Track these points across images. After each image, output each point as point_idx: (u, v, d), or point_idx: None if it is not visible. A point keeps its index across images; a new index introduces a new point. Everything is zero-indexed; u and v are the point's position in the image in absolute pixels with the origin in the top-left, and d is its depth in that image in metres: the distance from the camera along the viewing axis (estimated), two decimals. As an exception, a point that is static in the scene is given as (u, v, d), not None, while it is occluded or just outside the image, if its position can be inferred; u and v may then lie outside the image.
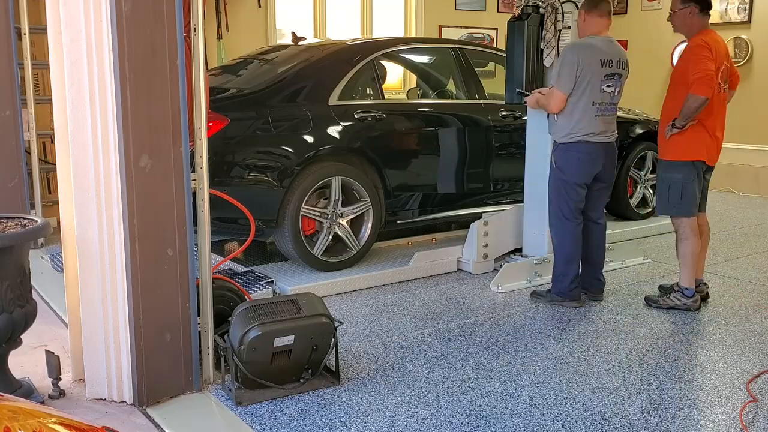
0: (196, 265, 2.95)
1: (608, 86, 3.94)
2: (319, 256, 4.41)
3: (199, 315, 2.95)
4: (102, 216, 2.71)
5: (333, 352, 3.04)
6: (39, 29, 5.31)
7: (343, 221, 4.48)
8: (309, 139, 4.36)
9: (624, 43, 9.28)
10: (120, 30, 2.55)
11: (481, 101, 5.27)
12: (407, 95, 6.98)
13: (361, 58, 4.75)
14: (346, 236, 4.51)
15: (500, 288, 4.41)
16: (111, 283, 2.75)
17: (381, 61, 5.12)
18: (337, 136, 4.46)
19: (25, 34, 5.26)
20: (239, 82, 4.75)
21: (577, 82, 3.89)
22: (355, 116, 4.54)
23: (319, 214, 4.38)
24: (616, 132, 4.09)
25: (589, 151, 3.97)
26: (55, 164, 3.10)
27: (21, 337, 2.82)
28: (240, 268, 4.46)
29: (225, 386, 2.96)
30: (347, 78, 4.63)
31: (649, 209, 6.15)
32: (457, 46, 5.56)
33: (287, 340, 2.87)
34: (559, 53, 4.47)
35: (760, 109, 8.12)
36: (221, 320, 3.15)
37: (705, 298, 4.18)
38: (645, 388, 3.05)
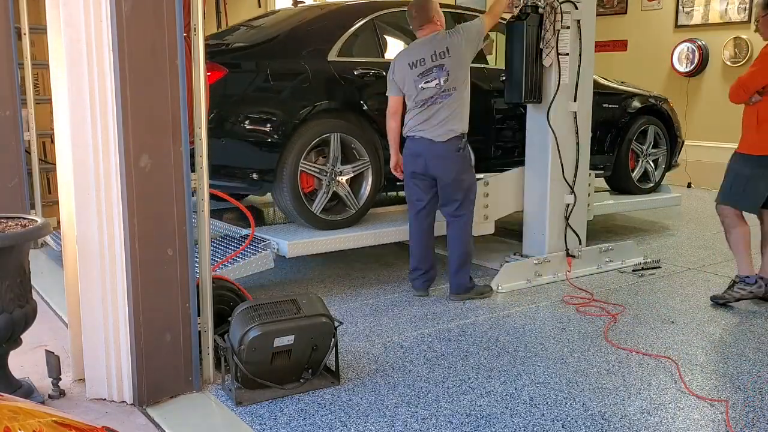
0: (197, 265, 2.96)
1: (427, 82, 4.00)
2: (317, 214, 4.33)
3: (199, 315, 2.95)
4: (102, 216, 2.71)
5: (333, 352, 3.05)
6: (39, 29, 5.31)
7: (342, 179, 4.40)
8: (307, 93, 4.29)
9: (624, 43, 9.30)
10: (120, 30, 2.55)
11: (482, 66, 5.20)
12: None
13: (361, 18, 4.68)
14: (345, 195, 4.43)
15: (500, 288, 4.41)
16: (111, 283, 2.75)
17: (381, 22, 4.98)
18: (336, 92, 4.40)
19: (25, 34, 5.26)
20: (238, 37, 4.68)
21: (398, 85, 4.10)
22: (355, 73, 4.48)
23: (318, 170, 4.31)
24: (453, 129, 4.03)
25: (408, 146, 4.14)
26: (55, 164, 3.10)
27: (21, 337, 2.82)
28: (238, 233, 4.42)
29: (225, 386, 2.96)
30: (347, 35, 4.55)
31: (651, 184, 6.11)
32: (457, 11, 5.51)
33: (287, 340, 2.87)
34: (558, 53, 4.49)
35: (760, 109, 8.11)
36: (221, 320, 3.15)
37: None
38: (645, 388, 3.05)
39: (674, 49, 8.72)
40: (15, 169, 4.97)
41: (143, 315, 2.73)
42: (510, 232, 6.01)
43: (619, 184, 6.01)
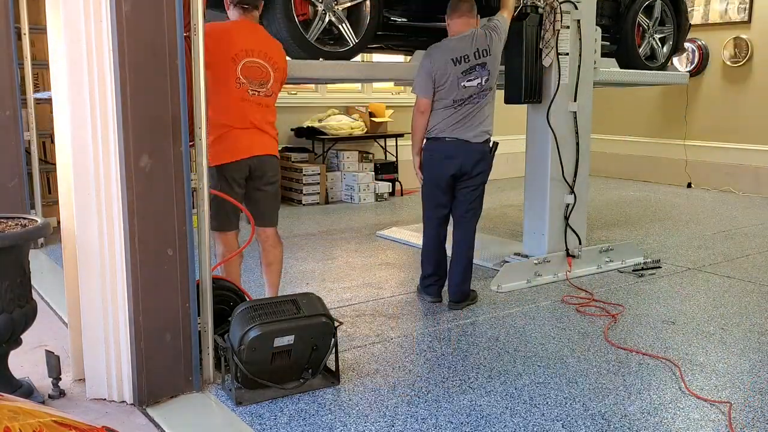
0: (197, 265, 2.96)
1: (470, 80, 3.93)
2: (312, 41, 4.06)
3: (199, 315, 2.95)
4: (102, 216, 2.72)
5: (333, 352, 3.05)
6: (39, 29, 5.32)
7: (339, 9, 4.13)
8: None
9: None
10: (120, 30, 2.55)
11: None
12: None
13: None
14: (342, 26, 4.16)
15: (500, 288, 4.41)
16: (111, 283, 2.75)
17: None
18: None
19: (25, 34, 5.27)
20: None
21: (435, 83, 3.95)
22: None
23: None
24: (488, 130, 4.00)
25: (438, 148, 4.00)
26: (55, 164, 3.10)
27: (21, 336, 2.82)
28: None
29: (225, 386, 2.96)
30: None
31: (658, 63, 5.96)
32: None
33: (287, 340, 2.88)
34: (558, 53, 4.49)
35: (760, 109, 8.12)
36: (221, 320, 3.15)
37: None
38: (645, 388, 3.05)
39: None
40: (15, 169, 4.98)
41: (143, 315, 2.73)
42: (510, 232, 6.02)
43: (626, 61, 5.75)
